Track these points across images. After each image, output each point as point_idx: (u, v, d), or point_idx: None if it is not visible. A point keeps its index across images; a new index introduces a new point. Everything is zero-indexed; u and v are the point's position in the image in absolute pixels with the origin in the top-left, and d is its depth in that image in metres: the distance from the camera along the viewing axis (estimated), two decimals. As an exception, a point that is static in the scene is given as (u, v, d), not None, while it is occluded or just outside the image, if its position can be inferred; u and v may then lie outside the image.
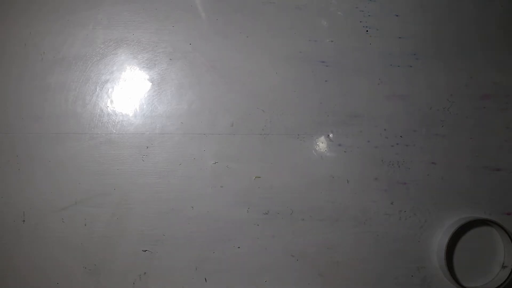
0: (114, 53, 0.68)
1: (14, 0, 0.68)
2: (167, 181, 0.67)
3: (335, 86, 0.68)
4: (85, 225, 0.66)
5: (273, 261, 0.67)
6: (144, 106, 0.68)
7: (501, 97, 0.69)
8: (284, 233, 0.67)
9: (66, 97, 0.67)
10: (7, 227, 0.66)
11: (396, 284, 0.67)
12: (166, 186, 0.66)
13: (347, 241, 0.67)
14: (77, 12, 0.68)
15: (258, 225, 0.67)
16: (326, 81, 0.68)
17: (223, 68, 0.68)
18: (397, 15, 0.69)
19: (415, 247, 0.67)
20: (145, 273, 0.66)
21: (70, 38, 0.68)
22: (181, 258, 0.66)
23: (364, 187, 0.67)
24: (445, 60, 0.69)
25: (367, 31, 0.69)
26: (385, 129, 0.68)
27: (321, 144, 0.68)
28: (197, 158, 0.67)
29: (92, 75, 0.68)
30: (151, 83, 0.68)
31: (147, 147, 0.67)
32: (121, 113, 0.68)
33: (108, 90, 0.68)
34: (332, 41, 0.69)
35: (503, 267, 0.67)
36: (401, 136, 0.68)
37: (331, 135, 0.68)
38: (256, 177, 0.67)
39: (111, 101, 0.68)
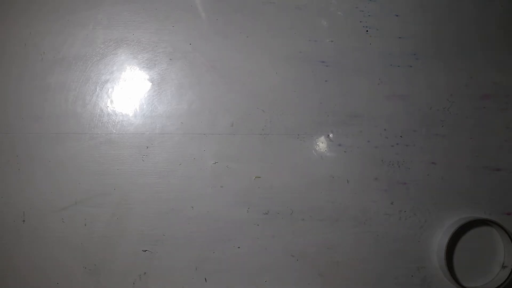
0: (114, 53, 0.68)
1: (14, 0, 0.68)
2: (167, 181, 0.67)
3: (335, 86, 0.68)
4: (85, 225, 0.66)
5: (273, 261, 0.67)
6: (144, 106, 0.68)
7: (501, 97, 0.69)
8: (284, 233, 0.67)
9: (66, 97, 0.67)
10: (7, 227, 0.66)
11: (396, 284, 0.67)
12: (166, 186, 0.66)
13: (347, 241, 0.67)
14: (77, 12, 0.68)
15: (258, 225, 0.67)
16: (326, 81, 0.68)
17: (223, 68, 0.68)
18: (397, 15, 0.69)
19: (415, 247, 0.67)
20: (145, 273, 0.66)
21: (70, 38, 0.68)
22: (181, 258, 0.66)
23: (364, 187, 0.67)
24: (445, 60, 0.69)
25: (367, 31, 0.69)
26: (385, 129, 0.68)
27: (321, 144, 0.68)
28: (197, 158, 0.67)
29: (92, 75, 0.68)
30: (151, 83, 0.68)
31: (147, 147, 0.67)
32: (121, 113, 0.68)
33: (108, 90, 0.68)
34: (332, 41, 0.69)
35: (503, 267, 0.67)
36: (401, 136, 0.68)
37: (331, 135, 0.68)
38: (256, 177, 0.67)
39: (111, 101, 0.68)
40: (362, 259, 0.67)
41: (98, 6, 0.68)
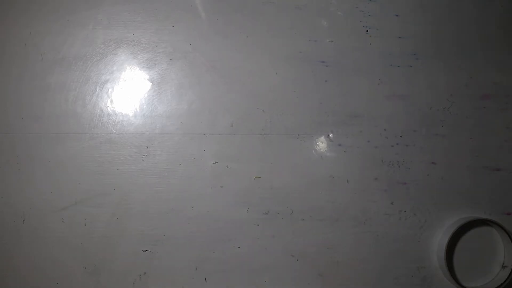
0: (114, 53, 0.68)
1: (14, 0, 0.68)
2: (167, 181, 0.67)
3: (335, 86, 0.68)
4: (85, 225, 0.66)
5: (273, 261, 0.67)
6: (144, 106, 0.68)
7: (501, 97, 0.69)
8: (284, 233, 0.67)
9: (66, 97, 0.67)
10: (7, 227, 0.66)
11: (396, 284, 0.67)
12: (166, 186, 0.66)
13: (347, 241, 0.67)
14: (77, 12, 0.68)
15: (258, 225, 0.67)
16: (326, 81, 0.68)
17: (223, 68, 0.68)
18: (397, 15, 0.69)
19: (415, 247, 0.67)
20: (145, 273, 0.66)
21: (70, 38, 0.68)
22: (181, 258, 0.66)
23: (364, 187, 0.67)
24: (445, 60, 0.69)
25: (367, 31, 0.69)
26: (385, 129, 0.68)
27: (321, 144, 0.68)
28: (197, 158, 0.67)
29: (92, 75, 0.68)
30: (151, 83, 0.68)
31: (147, 147, 0.67)
32: (121, 113, 0.68)
33: (108, 90, 0.68)
34: (332, 41, 0.69)
35: (503, 267, 0.67)
36: (401, 136, 0.68)
37: (331, 135, 0.68)
38: (256, 177, 0.67)
39: (111, 101, 0.68)
40: (362, 259, 0.67)
41: (98, 6, 0.68)
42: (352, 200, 0.67)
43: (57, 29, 0.68)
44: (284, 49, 0.68)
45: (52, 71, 0.67)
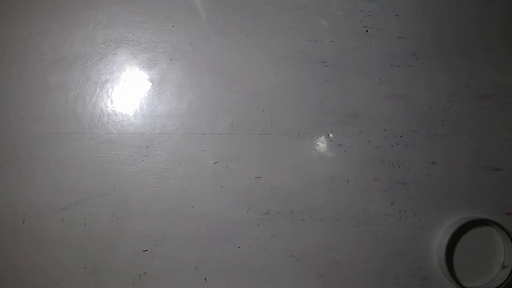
0: (114, 53, 0.68)
1: (14, 0, 0.68)
2: (167, 181, 0.67)
3: (335, 86, 0.68)
4: (85, 225, 0.66)
5: (273, 261, 0.67)
6: (144, 106, 0.68)
7: (501, 97, 0.69)
8: (284, 233, 0.67)
9: (66, 97, 0.67)
10: (7, 227, 0.66)
11: (396, 284, 0.67)
12: (166, 186, 0.66)
13: (347, 241, 0.67)
14: (77, 12, 0.68)
15: (258, 225, 0.67)
16: (326, 81, 0.68)
17: (223, 68, 0.68)
18: (397, 15, 0.69)
19: (415, 247, 0.67)
20: (145, 273, 0.66)
21: (70, 38, 0.68)
22: (181, 258, 0.66)
23: (364, 187, 0.67)
24: (445, 60, 0.69)
25: (367, 31, 0.69)
26: (385, 129, 0.68)
27: (321, 144, 0.68)
28: (197, 158, 0.67)
29: (92, 75, 0.68)
30: (151, 83, 0.68)
31: (147, 147, 0.67)
32: (121, 113, 0.68)
33: (108, 90, 0.68)
34: (332, 41, 0.69)
35: (503, 267, 0.67)
36: (401, 136, 0.68)
37: (331, 135, 0.68)
38: (256, 177, 0.67)
39: (111, 101, 0.68)
40: (362, 259, 0.67)
41: (98, 6, 0.68)
42: (352, 200, 0.67)
43: (57, 29, 0.68)
44: (284, 49, 0.68)
45: (52, 71, 0.67)
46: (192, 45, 0.68)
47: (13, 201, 0.66)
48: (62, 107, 0.67)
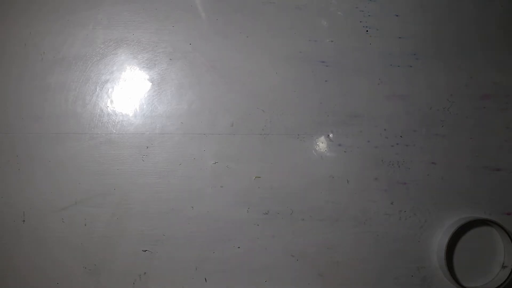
0: (114, 53, 0.68)
1: (14, 0, 0.68)
2: (167, 181, 0.67)
3: (335, 86, 0.68)
4: (85, 225, 0.66)
5: (273, 261, 0.67)
6: (144, 106, 0.68)
7: (501, 97, 0.69)
8: (284, 233, 0.67)
9: (66, 97, 0.67)
10: (7, 227, 0.66)
11: (396, 284, 0.67)
12: (166, 186, 0.66)
13: (347, 241, 0.67)
14: (77, 12, 0.68)
15: (258, 225, 0.67)
16: (326, 81, 0.68)
17: (223, 68, 0.68)
18: (397, 15, 0.69)
19: (415, 247, 0.67)
20: (145, 273, 0.66)
21: (70, 38, 0.68)
22: (181, 258, 0.66)
23: (364, 187, 0.67)
24: (445, 60, 0.69)
25: (367, 31, 0.69)
26: (385, 129, 0.68)
27: (321, 144, 0.68)
28: (197, 158, 0.67)
29: (92, 75, 0.68)
30: (151, 83, 0.68)
31: (147, 147, 0.67)
32: (121, 113, 0.68)
33: (108, 90, 0.68)
34: (332, 41, 0.69)
35: (503, 267, 0.67)
36: (401, 136, 0.68)
37: (331, 135, 0.68)
38: (256, 177, 0.67)
39: (111, 101, 0.68)
40: (362, 259, 0.67)
41: (98, 6, 0.68)
42: (352, 200, 0.67)
43: (57, 29, 0.68)
44: (284, 49, 0.68)
45: (52, 71, 0.67)
46: (192, 45, 0.68)
47: (13, 201, 0.66)
48: (62, 107, 0.67)
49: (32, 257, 0.66)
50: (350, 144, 0.68)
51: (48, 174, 0.66)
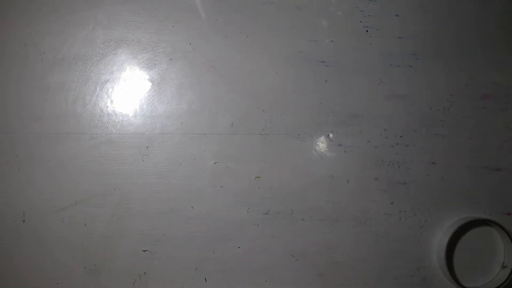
0: (114, 53, 0.68)
1: (14, 0, 0.68)
2: (167, 181, 0.67)
3: (335, 86, 0.68)
4: (85, 225, 0.66)
5: (273, 261, 0.67)
6: (144, 106, 0.68)
7: (501, 97, 0.69)
8: (284, 233, 0.67)
9: (66, 97, 0.67)
10: (7, 227, 0.66)
11: (396, 284, 0.67)
12: (166, 186, 0.66)
13: (347, 241, 0.67)
14: (77, 12, 0.68)
15: (258, 225, 0.67)
16: (326, 81, 0.68)
17: (223, 68, 0.68)
18: (397, 15, 0.69)
19: (415, 247, 0.67)
20: (145, 273, 0.66)
21: (70, 38, 0.68)
22: (181, 258, 0.66)
23: (364, 187, 0.67)
24: (445, 60, 0.69)
25: (367, 31, 0.69)
26: (385, 129, 0.68)
27: (321, 144, 0.68)
28: (197, 158, 0.67)
29: (92, 75, 0.68)
30: (151, 83, 0.68)
31: (147, 147, 0.67)
32: (121, 113, 0.68)
33: (108, 90, 0.68)
34: (332, 41, 0.69)
35: (503, 267, 0.67)
36: (401, 136, 0.68)
37: (331, 135, 0.68)
38: (256, 177, 0.67)
39: (111, 101, 0.68)
40: (362, 259, 0.67)
41: (98, 6, 0.68)
42: (352, 200, 0.67)
43: (57, 29, 0.68)
44: (284, 49, 0.68)
45: (52, 71, 0.67)
46: (192, 45, 0.68)
47: (13, 201, 0.66)
48: (62, 107, 0.67)
49: (32, 257, 0.66)
50: (350, 144, 0.68)
51: (48, 174, 0.66)
